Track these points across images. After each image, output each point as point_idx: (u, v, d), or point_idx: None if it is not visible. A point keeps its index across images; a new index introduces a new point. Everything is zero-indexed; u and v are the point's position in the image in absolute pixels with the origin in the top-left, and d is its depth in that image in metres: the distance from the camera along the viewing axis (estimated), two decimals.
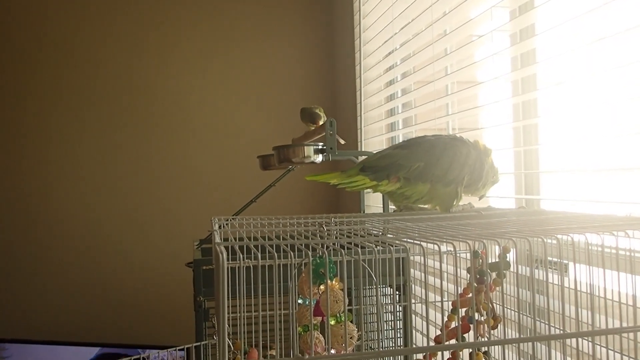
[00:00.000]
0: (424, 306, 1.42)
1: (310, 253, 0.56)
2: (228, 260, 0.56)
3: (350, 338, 0.71)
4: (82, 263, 2.61)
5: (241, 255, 0.54)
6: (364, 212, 1.71)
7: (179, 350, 1.10)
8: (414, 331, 1.39)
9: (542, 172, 1.33)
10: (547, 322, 0.94)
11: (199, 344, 1.02)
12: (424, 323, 1.39)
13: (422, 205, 1.06)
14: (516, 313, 0.99)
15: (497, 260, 0.90)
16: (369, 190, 1.04)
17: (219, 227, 0.87)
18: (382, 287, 1.27)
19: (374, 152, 1.66)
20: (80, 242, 2.62)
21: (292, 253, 0.58)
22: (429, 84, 1.71)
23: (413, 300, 1.27)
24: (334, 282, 0.74)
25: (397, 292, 1.38)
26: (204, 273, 1.26)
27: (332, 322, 0.72)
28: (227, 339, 0.50)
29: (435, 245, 0.61)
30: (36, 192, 2.61)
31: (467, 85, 1.62)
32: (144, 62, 2.66)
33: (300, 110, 1.69)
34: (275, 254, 0.55)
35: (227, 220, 0.99)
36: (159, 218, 2.65)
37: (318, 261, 0.69)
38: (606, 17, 1.07)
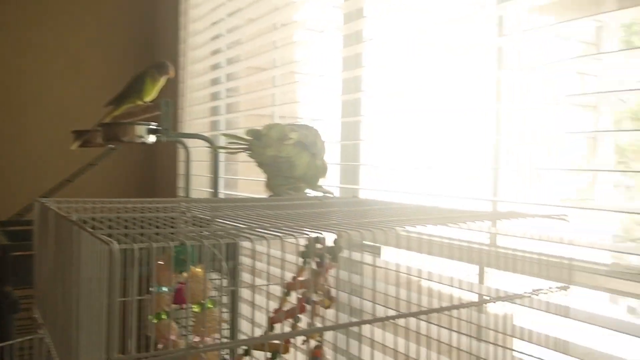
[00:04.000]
0: (251, 292, 1.46)
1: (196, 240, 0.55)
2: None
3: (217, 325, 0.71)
4: None
5: (134, 244, 0.50)
6: (189, 196, 1.68)
7: None
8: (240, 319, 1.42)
9: (362, 165, 1.46)
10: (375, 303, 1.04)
11: (11, 342, 0.89)
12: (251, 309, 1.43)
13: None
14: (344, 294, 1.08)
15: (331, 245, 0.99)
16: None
17: (56, 209, 0.78)
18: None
19: (203, 134, 1.63)
20: None
21: (164, 239, 0.56)
22: (260, 72, 1.74)
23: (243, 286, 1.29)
24: (196, 268, 0.73)
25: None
26: (14, 260, 1.12)
27: (197, 309, 0.71)
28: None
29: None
30: None
31: (292, 76, 1.69)
32: None
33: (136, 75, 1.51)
34: (154, 243, 0.52)
35: (57, 202, 0.89)
36: None
37: (183, 248, 0.67)
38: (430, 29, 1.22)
